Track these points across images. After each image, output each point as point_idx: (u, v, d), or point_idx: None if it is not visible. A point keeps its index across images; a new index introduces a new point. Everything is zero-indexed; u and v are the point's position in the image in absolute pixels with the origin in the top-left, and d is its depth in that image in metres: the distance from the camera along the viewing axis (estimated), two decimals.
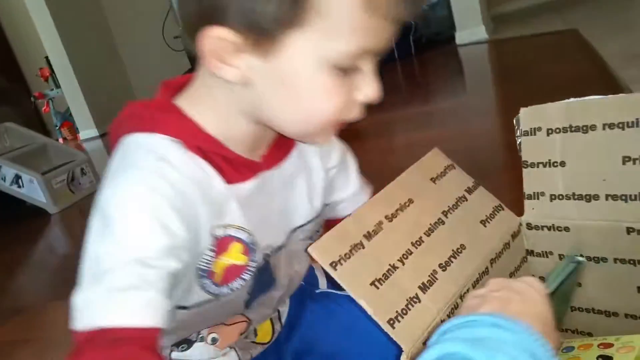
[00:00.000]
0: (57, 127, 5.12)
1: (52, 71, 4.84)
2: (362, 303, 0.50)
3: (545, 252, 0.70)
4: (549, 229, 0.68)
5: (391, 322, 0.52)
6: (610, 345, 0.64)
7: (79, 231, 2.47)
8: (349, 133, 0.63)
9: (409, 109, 2.70)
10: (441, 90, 3.08)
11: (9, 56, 5.43)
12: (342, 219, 0.56)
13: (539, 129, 0.67)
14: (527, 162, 0.69)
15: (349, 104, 0.53)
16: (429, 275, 0.57)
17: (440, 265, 0.58)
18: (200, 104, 0.55)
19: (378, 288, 0.52)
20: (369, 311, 0.50)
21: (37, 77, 5.20)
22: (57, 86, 4.88)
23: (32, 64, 5.36)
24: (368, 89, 0.53)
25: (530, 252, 0.71)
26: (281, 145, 0.61)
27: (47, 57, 4.79)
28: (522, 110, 0.68)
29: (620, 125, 0.61)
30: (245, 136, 0.57)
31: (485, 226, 0.66)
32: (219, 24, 0.48)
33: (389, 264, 0.54)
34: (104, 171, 0.54)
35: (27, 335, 1.43)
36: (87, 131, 4.82)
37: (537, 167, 0.68)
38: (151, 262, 0.48)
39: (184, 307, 0.58)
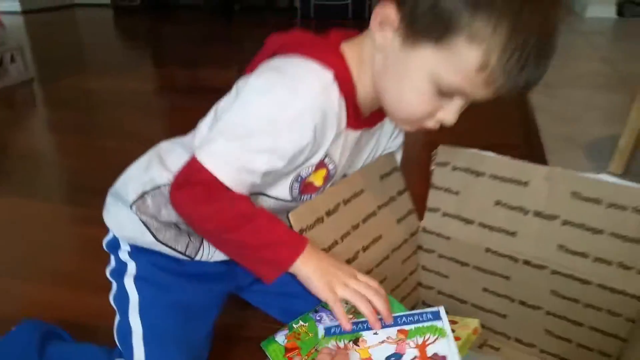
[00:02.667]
0: None
1: None
2: None
3: (430, 249, 0.98)
4: (436, 235, 0.96)
5: None
6: (456, 322, 0.93)
7: None
8: None
9: None
10: None
11: None
12: None
13: (448, 164, 0.93)
14: (433, 184, 0.95)
15: (430, 116, 0.70)
16: (354, 254, 0.82)
17: (362, 247, 0.84)
18: (355, 56, 0.71)
19: None
20: None
21: None
22: None
23: None
24: (448, 115, 0.69)
25: (420, 247, 0.99)
26: (376, 116, 0.79)
27: None
28: (440, 147, 0.94)
29: (505, 179, 0.88)
30: (366, 95, 0.73)
31: (398, 224, 0.92)
32: (395, 4, 0.65)
33: (334, 239, 0.79)
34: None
35: None
36: (9, 3, 4.57)
37: (440, 190, 0.94)
38: (280, 159, 0.68)
39: (266, 195, 0.78)
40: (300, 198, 0.79)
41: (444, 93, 0.66)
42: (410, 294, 1.00)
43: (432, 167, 0.95)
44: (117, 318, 0.85)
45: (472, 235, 0.92)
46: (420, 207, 0.97)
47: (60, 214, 1.48)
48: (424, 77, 0.65)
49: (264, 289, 0.96)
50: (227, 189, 0.68)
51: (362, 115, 0.76)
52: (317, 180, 0.77)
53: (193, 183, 0.69)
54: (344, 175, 0.86)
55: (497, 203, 0.89)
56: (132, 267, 0.85)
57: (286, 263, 0.69)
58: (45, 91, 2.73)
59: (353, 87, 0.72)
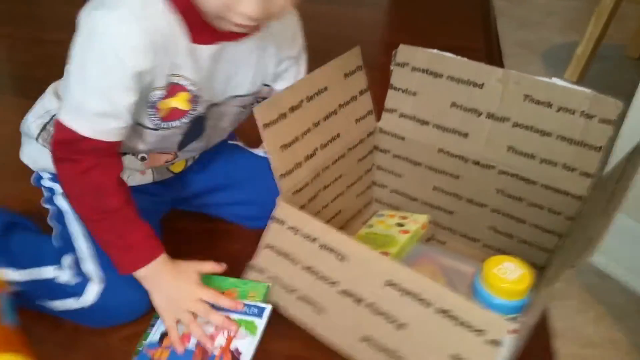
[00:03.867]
0: None
1: None
2: (271, 159, 0.76)
3: (385, 149, 1.00)
4: (392, 135, 0.98)
5: (281, 177, 0.79)
6: (406, 217, 0.98)
7: None
8: None
9: None
10: None
11: None
12: None
13: (407, 64, 0.94)
14: (392, 85, 0.96)
15: (229, 8, 0.63)
16: (313, 150, 0.84)
17: (321, 145, 0.85)
18: None
19: (283, 151, 0.78)
20: (273, 166, 0.77)
21: None
22: None
23: None
24: (247, 6, 0.62)
25: (376, 147, 1.01)
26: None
27: None
28: (400, 47, 0.94)
29: (462, 81, 0.89)
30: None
31: (357, 123, 0.94)
32: None
33: (295, 136, 0.80)
34: None
35: None
36: None
37: (398, 91, 0.95)
38: (115, 98, 0.67)
39: (145, 127, 0.76)
40: (170, 125, 0.77)
41: None
42: (364, 192, 1.04)
43: (392, 68, 0.95)
44: (57, 230, 0.85)
45: (426, 136, 0.94)
46: (377, 109, 0.98)
47: (18, 107, 1.43)
48: None
49: (216, 202, 0.98)
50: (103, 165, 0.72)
51: (212, 28, 0.70)
52: (181, 103, 0.75)
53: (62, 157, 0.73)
54: (235, 97, 0.82)
55: (453, 105, 0.91)
56: (58, 187, 0.86)
57: (130, 268, 0.75)
58: None
59: (189, 1, 0.67)
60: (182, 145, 0.84)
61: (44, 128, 0.85)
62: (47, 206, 0.89)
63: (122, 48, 0.65)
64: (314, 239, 0.76)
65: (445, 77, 0.90)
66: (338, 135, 0.89)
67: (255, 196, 0.95)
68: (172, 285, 0.76)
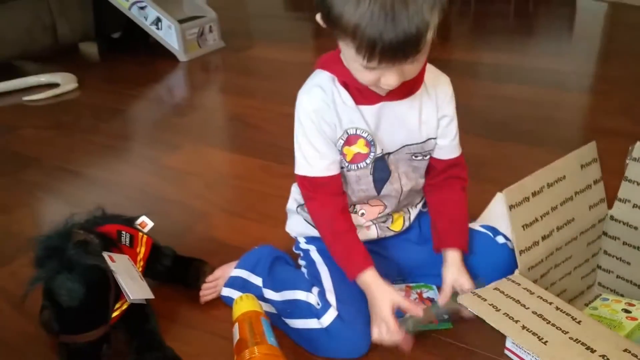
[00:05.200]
0: None
1: None
2: (514, 236, 0.88)
3: (616, 236, 1.05)
4: (624, 224, 1.03)
5: (521, 253, 0.89)
6: (633, 305, 1.01)
7: (199, 82, 2.75)
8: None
9: (505, 54, 2.82)
10: (544, 43, 3.09)
11: None
12: (436, 158, 1.02)
13: None
14: (627, 177, 1.02)
15: (377, 82, 0.85)
16: (549, 232, 0.94)
17: (557, 227, 0.95)
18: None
19: (524, 230, 0.89)
20: (515, 243, 0.88)
21: None
22: None
23: None
24: (388, 81, 0.83)
25: (604, 233, 1.07)
26: (404, 89, 0.92)
27: None
28: (637, 143, 1.00)
29: None
30: None
31: (589, 210, 1.01)
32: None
33: (535, 217, 0.91)
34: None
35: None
36: None
37: (633, 183, 1.01)
38: (317, 144, 0.96)
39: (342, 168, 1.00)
40: (357, 165, 0.99)
41: (368, 67, 0.81)
42: (588, 275, 1.09)
43: (627, 161, 1.01)
44: (307, 269, 1.10)
45: None
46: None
47: (268, 168, 1.75)
48: (352, 62, 0.84)
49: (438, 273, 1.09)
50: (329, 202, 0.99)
51: (371, 92, 0.92)
52: (361, 148, 0.97)
53: (307, 197, 1.03)
54: (404, 146, 0.99)
55: None
56: (312, 247, 1.12)
57: (350, 276, 0.99)
58: (233, 59, 3.01)
59: (350, 77, 0.90)
60: (378, 187, 1.02)
61: (300, 205, 1.11)
62: (301, 262, 1.14)
63: (308, 112, 0.95)
64: (550, 302, 0.83)
65: None
66: (572, 219, 0.97)
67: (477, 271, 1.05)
68: (370, 299, 0.97)
